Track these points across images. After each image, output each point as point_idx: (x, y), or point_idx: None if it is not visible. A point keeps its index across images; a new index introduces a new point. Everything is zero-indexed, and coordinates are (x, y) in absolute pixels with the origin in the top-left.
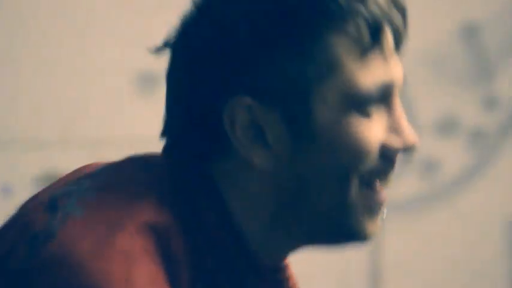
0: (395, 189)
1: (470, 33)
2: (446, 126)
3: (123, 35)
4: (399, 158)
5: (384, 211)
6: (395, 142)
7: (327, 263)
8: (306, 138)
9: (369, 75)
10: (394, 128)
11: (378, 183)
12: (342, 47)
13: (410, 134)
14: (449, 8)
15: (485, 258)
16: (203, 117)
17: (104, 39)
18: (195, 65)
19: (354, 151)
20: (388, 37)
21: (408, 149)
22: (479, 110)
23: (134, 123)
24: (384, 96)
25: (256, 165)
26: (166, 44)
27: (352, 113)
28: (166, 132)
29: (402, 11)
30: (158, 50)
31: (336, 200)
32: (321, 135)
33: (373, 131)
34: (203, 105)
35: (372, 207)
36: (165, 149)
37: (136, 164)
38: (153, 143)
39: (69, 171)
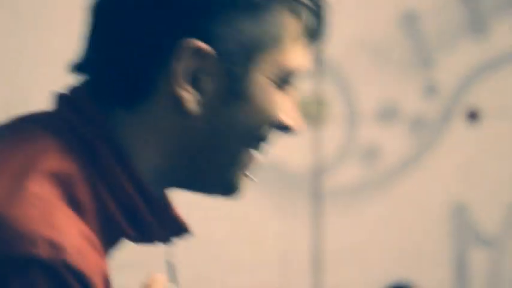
0: (337, 177)
1: (410, 21)
2: (387, 114)
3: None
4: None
5: (254, 175)
6: (289, 120)
7: (268, 250)
8: (236, 95)
9: (295, 57)
10: (290, 108)
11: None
12: (289, 26)
13: (299, 118)
14: None
15: (427, 245)
16: (141, 55)
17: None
18: (147, 1)
19: (267, 116)
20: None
21: (294, 131)
22: (420, 98)
23: None
24: (294, 79)
25: (186, 107)
26: None
27: (276, 85)
28: (83, 66)
29: (325, 10)
30: None
31: (232, 155)
32: (248, 95)
33: (284, 104)
34: (146, 44)
35: (250, 168)
36: (80, 85)
37: (33, 118)
38: None
39: None
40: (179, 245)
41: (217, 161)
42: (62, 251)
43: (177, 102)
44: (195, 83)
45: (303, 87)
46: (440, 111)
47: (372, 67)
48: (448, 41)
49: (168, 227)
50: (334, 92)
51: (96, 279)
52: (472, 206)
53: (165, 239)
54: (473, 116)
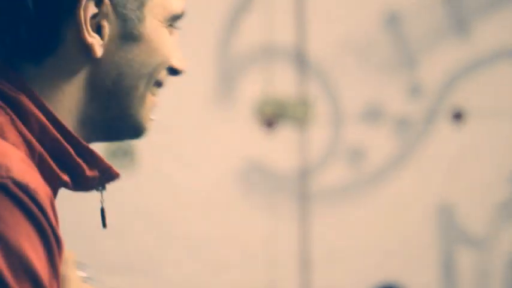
0: (323, 178)
1: (393, 22)
2: (372, 115)
3: None
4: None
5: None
6: (178, 63)
7: (256, 251)
8: (132, 37)
9: (177, 2)
10: (176, 49)
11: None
12: None
13: (184, 60)
14: None
15: (414, 245)
16: (45, 9)
17: None
18: None
19: (162, 55)
20: None
21: (181, 72)
22: (404, 98)
23: None
24: (176, 21)
25: (93, 53)
26: None
27: (165, 28)
28: None
29: None
30: None
31: (139, 98)
32: (145, 39)
33: (173, 46)
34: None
35: (152, 109)
36: None
37: None
38: None
39: None
40: (168, 246)
41: (127, 103)
42: (8, 170)
43: (85, 49)
44: (97, 29)
45: (288, 88)
46: (425, 112)
47: (357, 68)
48: (431, 41)
49: (98, 171)
50: (319, 93)
51: (41, 193)
52: (458, 206)
53: (97, 184)
54: (457, 116)
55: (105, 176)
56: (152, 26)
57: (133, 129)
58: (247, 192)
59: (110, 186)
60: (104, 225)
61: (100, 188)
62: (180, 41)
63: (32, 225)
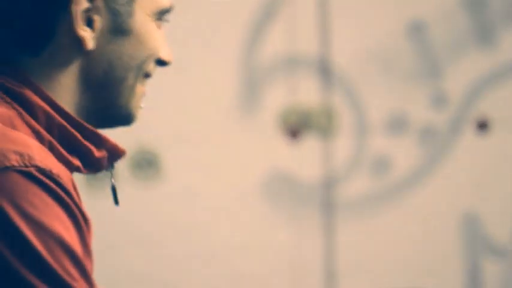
0: (347, 188)
1: (417, 31)
2: (396, 125)
3: None
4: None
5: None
6: (166, 55)
7: (281, 262)
8: (122, 30)
9: None
10: (164, 42)
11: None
12: None
13: (171, 52)
14: (397, 6)
15: (439, 256)
16: (40, 4)
17: None
18: None
19: (151, 49)
20: None
21: (168, 63)
22: (429, 108)
23: None
24: (164, 15)
25: (85, 45)
26: None
27: (154, 22)
28: None
29: None
30: None
31: (129, 87)
32: (134, 32)
33: (161, 39)
34: None
35: (141, 98)
36: None
37: None
38: None
39: None
40: (191, 257)
41: (118, 94)
42: (31, 159)
43: (77, 42)
44: (89, 23)
45: (313, 98)
46: (450, 122)
47: (381, 77)
48: (456, 50)
49: (106, 151)
50: (344, 103)
51: (64, 177)
52: (483, 216)
53: (106, 164)
54: (482, 125)
55: (113, 155)
56: (141, 20)
57: (124, 118)
58: (272, 202)
59: (135, 197)
60: (116, 202)
61: (110, 167)
62: (205, 52)
63: (60, 207)
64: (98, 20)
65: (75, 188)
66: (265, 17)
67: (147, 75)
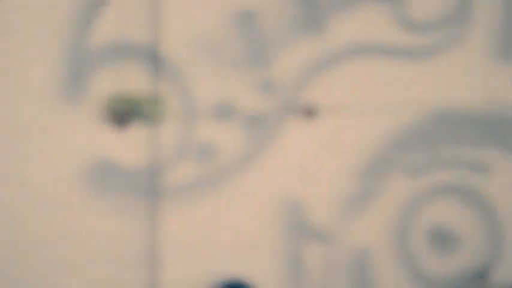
0: (174, 175)
1: (246, 19)
2: (224, 111)
3: None
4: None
5: None
6: None
7: (104, 249)
8: None
9: None
10: None
11: None
12: None
13: None
14: None
15: (263, 242)
16: None
17: None
18: None
19: None
20: None
21: None
22: (257, 95)
23: None
24: None
25: None
26: None
27: None
28: None
29: None
30: None
31: None
32: None
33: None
34: None
35: None
36: None
37: None
38: None
39: None
40: (14, 246)
41: None
42: None
43: None
44: None
45: (141, 86)
46: (277, 108)
47: (209, 65)
48: (284, 38)
49: None
50: (172, 90)
51: None
52: (307, 202)
53: None
54: (310, 113)
55: None
56: None
57: None
58: (98, 191)
59: None
60: None
61: None
62: (25, 41)
63: None
64: None
65: None
66: (94, 3)
67: None
